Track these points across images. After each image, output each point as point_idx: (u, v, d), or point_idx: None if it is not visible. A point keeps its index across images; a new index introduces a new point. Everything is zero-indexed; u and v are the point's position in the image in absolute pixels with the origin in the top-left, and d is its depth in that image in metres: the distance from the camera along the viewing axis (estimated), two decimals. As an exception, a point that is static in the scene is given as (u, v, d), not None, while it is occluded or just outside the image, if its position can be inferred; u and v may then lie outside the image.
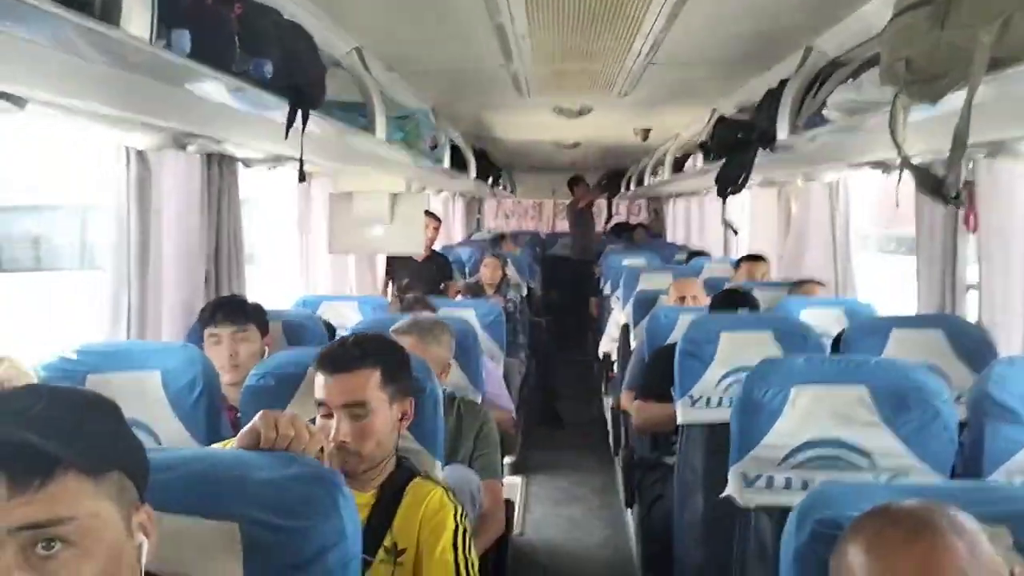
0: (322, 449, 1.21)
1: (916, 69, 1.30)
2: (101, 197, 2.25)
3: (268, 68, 1.69)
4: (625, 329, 4.07)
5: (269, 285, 3.86)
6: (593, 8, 2.54)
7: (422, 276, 4.78)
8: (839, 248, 3.69)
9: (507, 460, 2.99)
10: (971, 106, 1.30)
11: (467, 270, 6.00)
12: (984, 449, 1.73)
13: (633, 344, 3.69)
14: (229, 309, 2.33)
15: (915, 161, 1.56)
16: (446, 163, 4.12)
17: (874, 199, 4.31)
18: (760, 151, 2.90)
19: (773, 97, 2.77)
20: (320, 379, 1.58)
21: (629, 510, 3.62)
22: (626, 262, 5.62)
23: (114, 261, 2.26)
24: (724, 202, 3.62)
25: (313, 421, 1.55)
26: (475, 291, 5.11)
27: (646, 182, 7.21)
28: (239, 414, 1.89)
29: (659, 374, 2.74)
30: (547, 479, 4.43)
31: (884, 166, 2.50)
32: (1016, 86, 1.42)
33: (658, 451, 2.95)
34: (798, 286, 3.49)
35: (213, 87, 1.57)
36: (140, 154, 2.22)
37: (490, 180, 7.19)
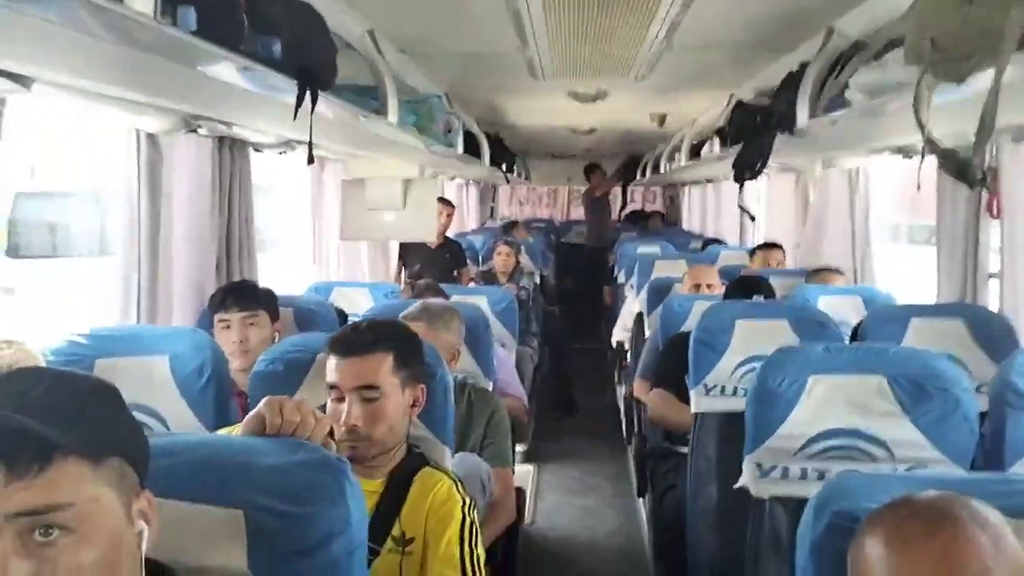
0: (330, 434, 1.20)
1: (942, 48, 1.25)
2: (114, 182, 2.25)
3: (277, 47, 1.66)
4: (639, 317, 4.03)
5: (281, 272, 3.86)
6: (610, -11, 2.50)
7: (435, 263, 4.76)
8: (858, 237, 3.63)
9: (519, 448, 2.97)
10: (1000, 86, 1.25)
11: (480, 257, 5.98)
12: (1005, 440, 1.69)
13: (647, 332, 3.66)
14: (239, 294, 2.32)
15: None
16: (459, 148, 4.08)
17: (895, 186, 4.23)
18: (779, 136, 2.84)
19: (793, 80, 2.71)
20: (332, 362, 1.56)
21: (641, 499, 3.60)
22: (641, 250, 5.58)
23: (124, 245, 2.25)
24: (741, 188, 3.57)
25: (322, 408, 1.54)
26: (488, 279, 5.10)
27: (662, 169, 7.14)
28: (249, 400, 1.88)
29: (673, 362, 2.71)
30: (559, 468, 4.42)
31: (906, 151, 2.44)
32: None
33: (671, 441, 2.92)
34: (815, 274, 3.44)
35: (221, 66, 1.55)
36: (151, 137, 2.21)
37: (504, 167, 7.15)
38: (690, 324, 2.79)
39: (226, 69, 1.56)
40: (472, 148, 4.94)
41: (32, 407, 0.78)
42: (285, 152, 2.68)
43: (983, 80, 1.27)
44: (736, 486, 1.77)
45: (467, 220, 8.29)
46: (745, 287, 2.93)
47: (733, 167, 3.27)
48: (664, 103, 5.24)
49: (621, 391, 5.08)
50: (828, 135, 2.64)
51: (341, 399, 1.54)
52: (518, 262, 5.43)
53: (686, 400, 2.47)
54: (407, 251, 4.90)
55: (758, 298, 2.83)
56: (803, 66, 2.70)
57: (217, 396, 1.86)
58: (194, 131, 2.13)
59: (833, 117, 2.36)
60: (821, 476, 1.69)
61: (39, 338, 1.81)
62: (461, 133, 4.07)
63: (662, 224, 8.98)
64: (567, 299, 7.67)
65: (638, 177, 9.39)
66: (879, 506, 1.02)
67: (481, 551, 1.55)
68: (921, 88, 1.36)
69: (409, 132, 2.92)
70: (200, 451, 1.11)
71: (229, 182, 2.52)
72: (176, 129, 2.08)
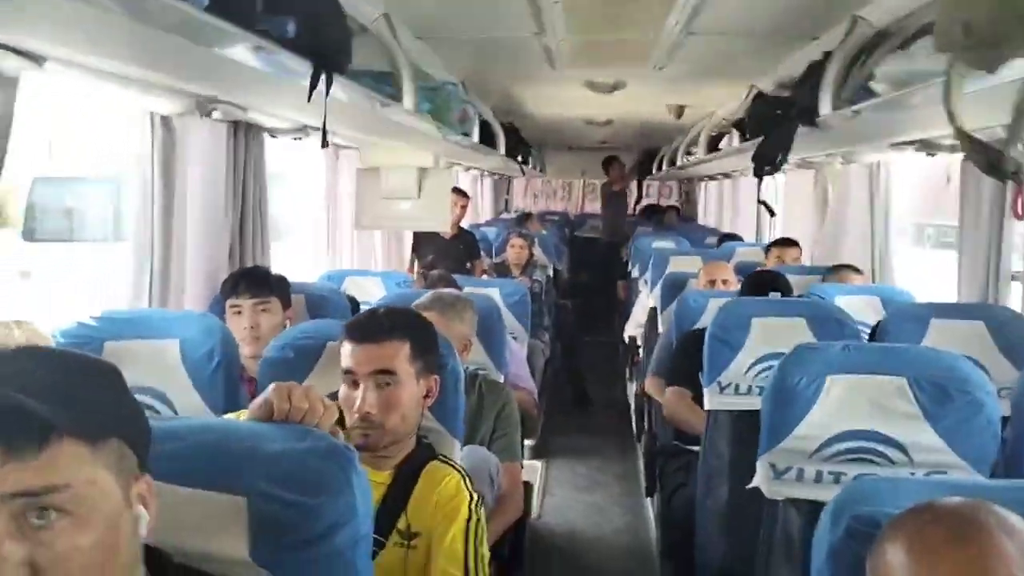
0: (339, 422, 1.17)
1: (975, 34, 1.20)
2: (129, 168, 2.24)
3: (291, 28, 1.64)
4: (652, 312, 4.00)
5: (294, 261, 3.85)
6: (629, -25, 2.45)
7: (448, 254, 4.74)
8: (877, 235, 3.57)
9: (528, 443, 2.95)
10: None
11: (494, 249, 5.96)
12: (1029, 446, 1.65)
13: (660, 328, 3.62)
14: (252, 280, 2.30)
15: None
16: (475, 137, 4.05)
17: (920, 183, 4.16)
18: (800, 129, 2.78)
19: (816, 70, 2.64)
20: (348, 347, 1.54)
21: (649, 499, 3.57)
22: (656, 245, 5.53)
23: (137, 229, 2.25)
24: (760, 182, 3.51)
25: (332, 396, 1.51)
26: (501, 272, 5.07)
27: (678, 162, 7.07)
28: (258, 386, 1.86)
29: (687, 359, 2.68)
30: (568, 464, 4.39)
31: (930, 146, 2.38)
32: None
33: (681, 439, 2.88)
34: (833, 272, 3.39)
35: (234, 47, 1.53)
36: (165, 121, 2.19)
37: (520, 158, 7.12)
38: (705, 320, 2.76)
39: (239, 49, 1.54)
40: (488, 138, 4.90)
41: (31, 386, 0.76)
42: (300, 138, 2.66)
43: (1016, 69, 1.22)
44: (749, 487, 1.74)
45: (481, 212, 8.26)
46: (762, 284, 2.89)
47: (753, 160, 3.21)
48: (682, 94, 5.18)
49: (632, 387, 5.04)
50: (850, 128, 2.58)
51: (355, 385, 1.52)
52: (531, 254, 5.40)
53: (698, 397, 2.43)
54: (420, 241, 4.88)
55: (775, 295, 2.79)
56: (826, 56, 2.64)
57: (227, 381, 1.85)
58: (208, 115, 2.11)
59: (856, 108, 2.29)
60: (837, 479, 1.66)
61: (52, 321, 1.80)
62: (477, 122, 4.03)
63: (677, 219, 8.91)
64: (580, 293, 7.64)
65: (654, 171, 9.33)
66: (901, 511, 0.98)
67: (485, 549, 1.53)
68: (951, 77, 1.31)
69: (425, 120, 2.89)
70: (205, 436, 1.09)
71: (244, 168, 2.50)
72: (190, 112, 2.06)
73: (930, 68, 1.75)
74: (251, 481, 1.03)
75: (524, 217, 7.48)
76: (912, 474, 1.63)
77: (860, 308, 2.86)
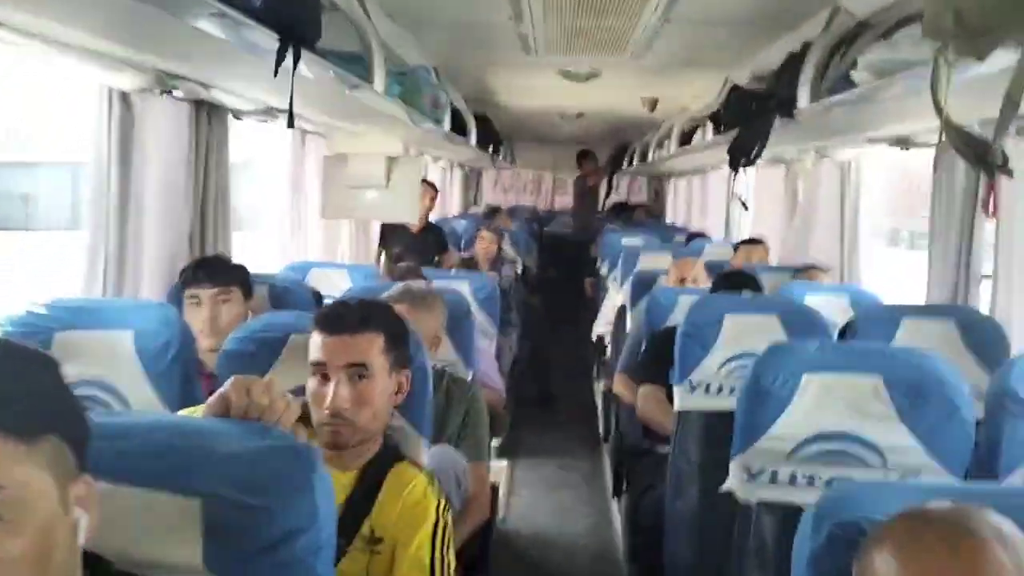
0: (301, 419, 1.11)
1: (966, 22, 1.17)
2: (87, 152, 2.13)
3: (256, -1, 1.56)
4: (622, 310, 3.96)
5: (259, 251, 3.74)
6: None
7: (416, 247, 4.66)
8: (847, 234, 3.58)
9: (494, 443, 2.89)
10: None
11: (462, 244, 5.89)
12: (1002, 449, 1.64)
13: (629, 326, 3.59)
14: (211, 268, 2.21)
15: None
16: (446, 125, 3.97)
17: (894, 185, 4.18)
18: (776, 122, 2.75)
19: (794, 61, 2.62)
20: (319, 339, 1.47)
21: (616, 499, 3.53)
22: (625, 241, 5.51)
23: (92, 213, 2.14)
24: (734, 175, 3.50)
25: (296, 392, 1.44)
26: (469, 266, 5.00)
27: (650, 157, 7.05)
28: (216, 381, 1.78)
29: (657, 357, 2.65)
30: (534, 463, 4.34)
31: (905, 141, 2.37)
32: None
33: (650, 439, 2.85)
34: (802, 271, 3.40)
35: (196, 14, 1.44)
36: (123, 97, 2.09)
37: (491, 149, 7.05)
38: (675, 318, 2.73)
39: (201, 18, 1.45)
40: (459, 128, 4.83)
41: None
42: (266, 120, 2.56)
43: (1004, 58, 1.19)
44: (722, 489, 1.71)
45: (450, 205, 8.17)
46: (733, 282, 2.87)
47: (728, 152, 3.18)
48: (657, 86, 5.17)
49: (599, 386, 5.01)
50: (826, 121, 2.56)
51: (326, 379, 1.46)
52: (500, 249, 5.34)
53: (668, 395, 2.40)
54: (388, 233, 4.80)
55: (746, 293, 2.77)
56: (805, 46, 2.61)
57: (183, 375, 1.76)
58: (169, 92, 2.01)
59: (834, 100, 2.27)
60: (811, 481, 1.63)
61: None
62: (448, 110, 3.95)
63: (646, 217, 8.91)
64: (548, 289, 7.60)
65: (624, 166, 9.32)
66: (888, 517, 0.95)
67: (452, 556, 1.47)
68: (939, 67, 1.28)
69: (395, 103, 2.81)
70: (156, 433, 1.02)
71: (206, 151, 2.40)
72: (150, 88, 1.97)
73: (914, 57, 1.72)
74: (206, 482, 0.97)
75: (493, 211, 7.41)
76: (886, 476, 1.61)
77: (829, 307, 2.86)
